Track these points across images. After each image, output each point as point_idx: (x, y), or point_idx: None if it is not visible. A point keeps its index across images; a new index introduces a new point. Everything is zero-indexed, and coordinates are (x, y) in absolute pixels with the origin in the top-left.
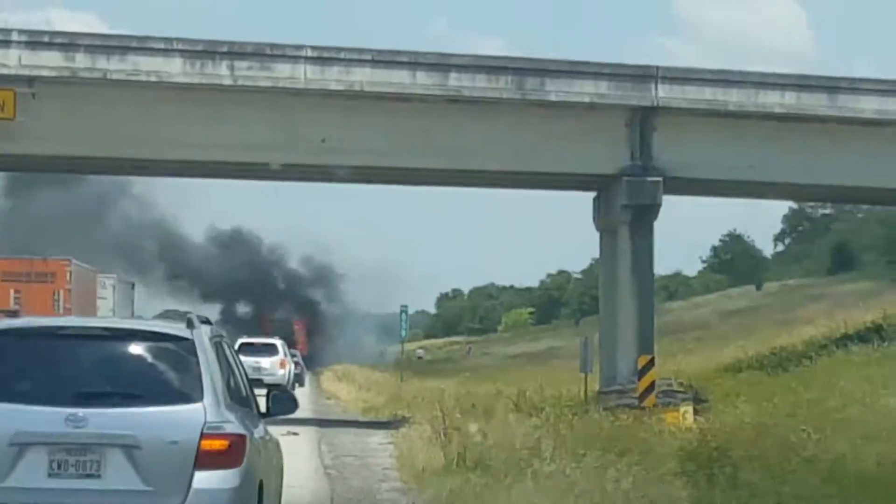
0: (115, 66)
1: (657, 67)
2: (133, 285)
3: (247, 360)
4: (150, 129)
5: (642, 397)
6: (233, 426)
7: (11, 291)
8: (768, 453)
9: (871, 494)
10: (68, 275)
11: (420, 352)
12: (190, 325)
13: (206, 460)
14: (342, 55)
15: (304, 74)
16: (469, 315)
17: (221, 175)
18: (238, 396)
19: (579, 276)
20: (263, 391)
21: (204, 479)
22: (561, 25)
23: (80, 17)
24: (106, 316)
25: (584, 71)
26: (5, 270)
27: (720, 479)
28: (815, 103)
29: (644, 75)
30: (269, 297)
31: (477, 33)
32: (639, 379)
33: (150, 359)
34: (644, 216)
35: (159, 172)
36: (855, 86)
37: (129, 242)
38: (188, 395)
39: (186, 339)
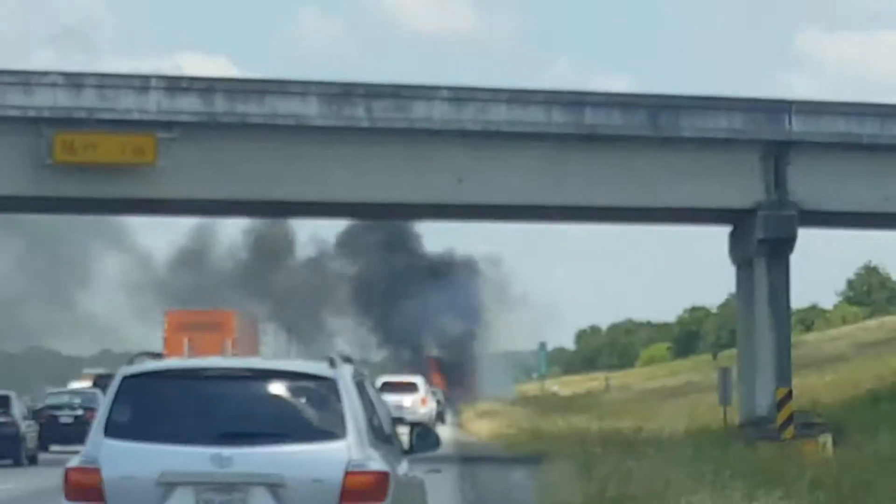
0: (253, 109)
1: (791, 102)
2: (290, 329)
3: (389, 399)
4: (289, 171)
5: (781, 429)
6: (376, 463)
7: (185, 340)
8: None
9: None
10: (234, 324)
11: (555, 387)
12: (332, 364)
13: (350, 498)
14: (478, 95)
15: (440, 114)
16: (607, 350)
17: (361, 215)
18: (381, 434)
19: (716, 310)
20: (406, 429)
21: None
22: (681, 63)
23: (212, 61)
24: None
25: (718, 106)
26: (180, 321)
27: None
28: None
29: (777, 109)
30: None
31: (600, 72)
32: (778, 411)
33: (293, 398)
34: (780, 249)
35: (299, 213)
36: None
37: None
38: (332, 433)
39: (329, 378)
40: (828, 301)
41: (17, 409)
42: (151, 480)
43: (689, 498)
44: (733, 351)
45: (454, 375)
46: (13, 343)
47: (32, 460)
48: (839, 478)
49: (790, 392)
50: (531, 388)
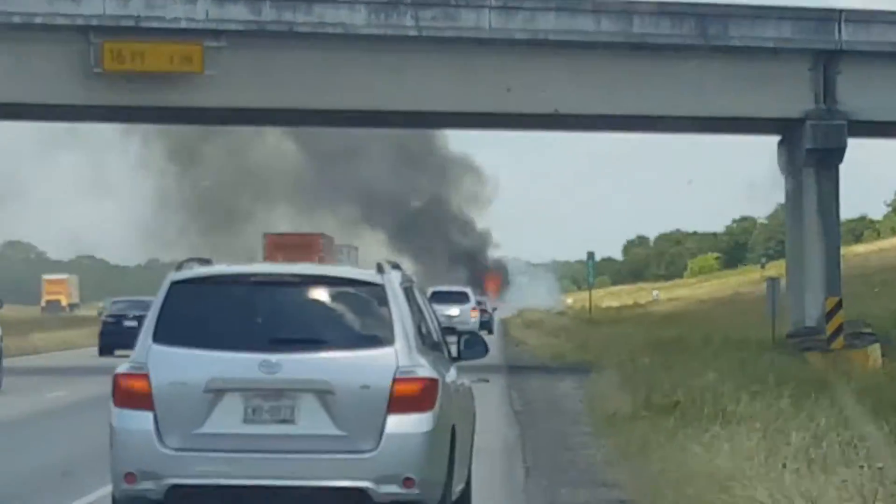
0: (301, 18)
1: (840, 11)
2: (357, 249)
3: (438, 309)
4: (336, 80)
5: (830, 339)
6: (425, 370)
7: (280, 258)
8: None
9: None
10: (320, 246)
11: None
12: (380, 270)
13: (398, 404)
14: (526, 4)
15: (488, 23)
16: (655, 261)
17: (406, 125)
18: (430, 341)
19: (765, 220)
20: (454, 339)
21: (396, 424)
22: None
23: None
24: None
25: (767, 15)
26: (276, 243)
27: None
28: None
29: (827, 18)
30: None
31: None
32: (827, 321)
33: (341, 304)
34: (829, 160)
35: (345, 123)
36: None
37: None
38: (380, 339)
39: (377, 284)
40: (877, 212)
41: None
42: (199, 386)
43: (735, 406)
44: (782, 262)
45: (503, 285)
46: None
47: None
48: (888, 387)
49: (840, 302)
50: (579, 297)
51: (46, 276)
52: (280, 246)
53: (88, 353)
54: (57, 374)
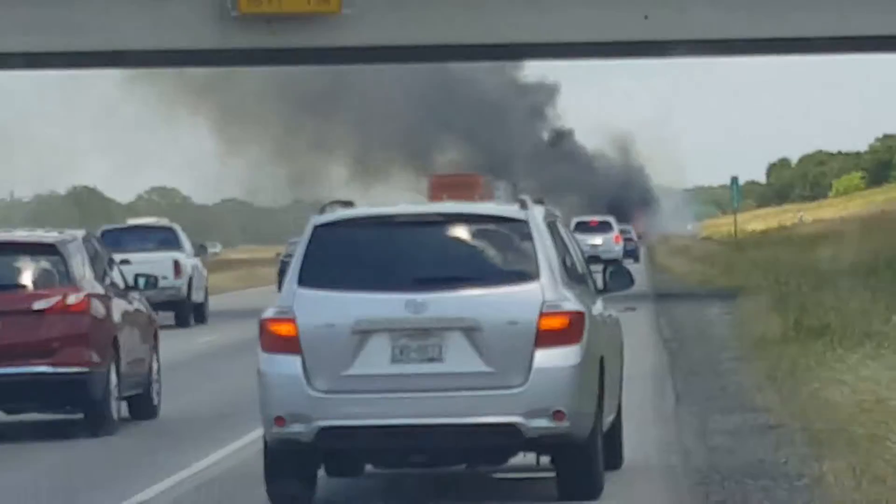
0: None
1: None
2: (516, 185)
3: (582, 238)
4: (475, 14)
5: None
6: (571, 303)
7: (444, 196)
8: None
9: None
10: (482, 185)
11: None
12: (523, 205)
13: (546, 339)
14: None
15: None
16: (799, 183)
17: (548, 55)
18: (575, 274)
19: None
20: (600, 268)
21: (545, 358)
22: None
23: None
24: None
25: None
26: (440, 183)
27: None
28: None
29: None
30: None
31: None
32: None
33: (485, 241)
34: None
35: (486, 57)
36: None
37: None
38: (525, 274)
39: (520, 219)
40: None
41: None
42: (347, 328)
43: (887, 328)
44: None
45: (648, 213)
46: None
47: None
48: None
49: None
50: (725, 222)
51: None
52: (444, 186)
53: (269, 291)
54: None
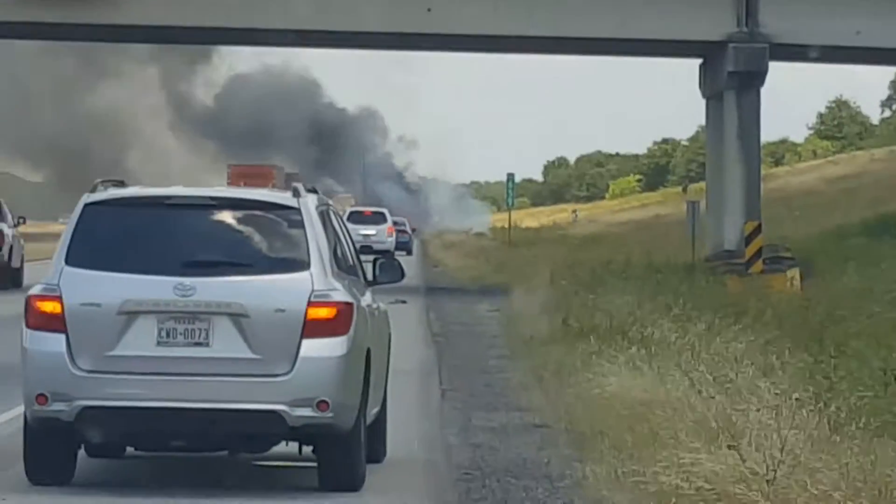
0: None
1: None
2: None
3: (355, 229)
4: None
5: (749, 263)
6: (340, 294)
7: (242, 184)
8: (876, 321)
9: None
10: (274, 175)
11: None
12: (296, 193)
13: (313, 328)
14: None
15: None
16: (576, 183)
17: (321, 44)
18: (345, 264)
19: (686, 143)
20: (372, 259)
21: (311, 347)
22: None
23: None
24: None
25: None
26: (238, 173)
27: (828, 346)
28: None
29: None
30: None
31: None
32: (746, 245)
33: (256, 227)
34: (750, 83)
35: (261, 41)
36: None
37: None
38: (295, 263)
39: (293, 207)
40: (798, 135)
41: None
42: (113, 309)
43: (652, 331)
44: (703, 184)
45: (422, 207)
46: None
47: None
48: (806, 312)
49: (759, 226)
50: (499, 219)
51: None
52: (241, 175)
53: None
54: None
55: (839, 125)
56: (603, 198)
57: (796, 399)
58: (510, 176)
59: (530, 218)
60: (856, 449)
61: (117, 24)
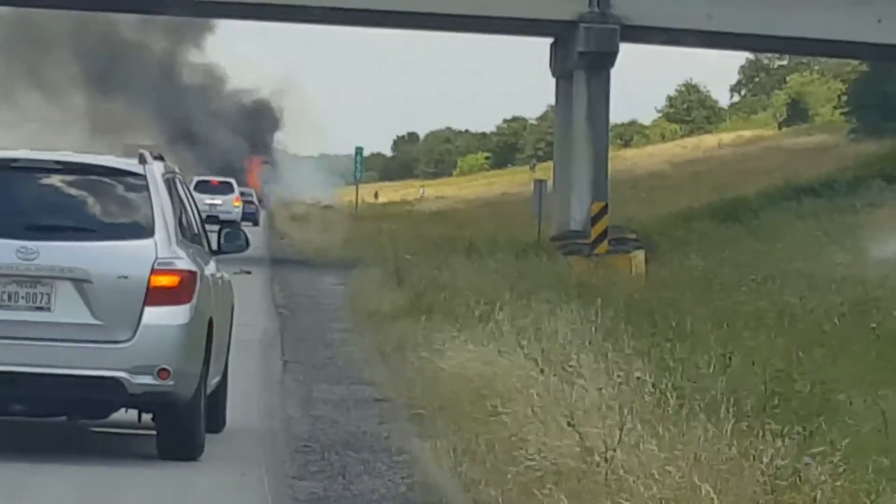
0: None
1: None
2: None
3: (202, 198)
4: None
5: (594, 244)
6: (183, 262)
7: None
8: (717, 303)
9: (821, 344)
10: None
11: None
12: (142, 160)
13: (156, 296)
14: None
15: None
16: (425, 158)
17: (191, 13)
18: (190, 233)
19: (535, 122)
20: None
21: (153, 315)
22: None
23: None
24: None
25: None
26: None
27: (667, 327)
28: None
29: None
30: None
31: None
32: (592, 225)
33: (102, 193)
34: (600, 63)
35: (119, 8)
36: None
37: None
38: (140, 230)
39: (139, 174)
40: (647, 117)
41: None
42: None
43: (493, 308)
44: (551, 164)
45: (269, 177)
46: None
47: None
48: (649, 293)
49: (605, 207)
50: (347, 192)
51: None
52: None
53: None
54: None
55: (688, 109)
56: (451, 174)
57: (637, 378)
58: (358, 150)
59: (378, 192)
60: (693, 428)
61: None
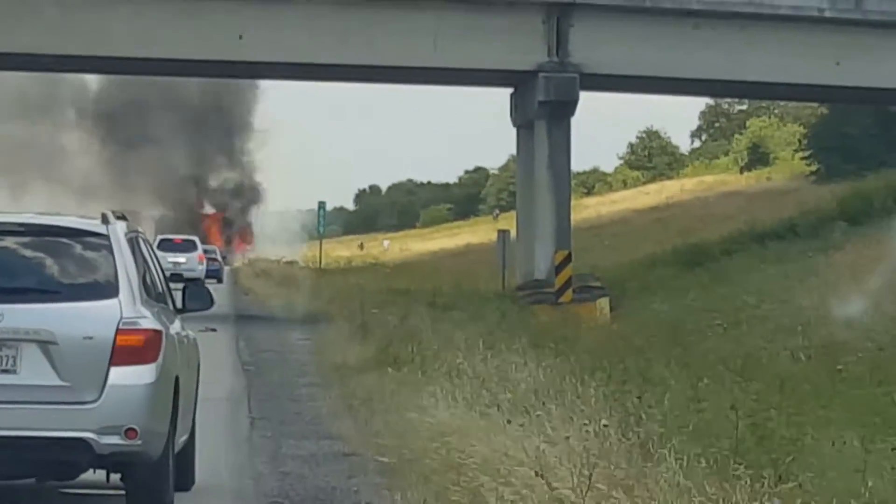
0: None
1: None
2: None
3: (166, 256)
4: (72, 25)
5: (559, 293)
6: (148, 321)
7: None
8: (684, 349)
9: (786, 387)
10: None
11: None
12: (105, 220)
13: (121, 356)
14: None
15: None
16: (387, 211)
17: (139, 71)
18: (154, 292)
19: (497, 172)
20: (181, 286)
21: (120, 375)
22: None
23: None
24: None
25: None
26: None
27: (634, 374)
28: None
29: None
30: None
31: None
32: (556, 274)
33: (65, 254)
34: (560, 112)
35: (84, 70)
36: None
37: None
38: (104, 290)
39: (101, 234)
40: (609, 165)
41: None
42: None
43: (460, 360)
44: (514, 213)
45: (232, 234)
46: None
47: None
48: (615, 341)
49: (569, 255)
50: (311, 247)
51: None
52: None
53: None
54: None
55: (649, 155)
56: (414, 226)
57: (604, 425)
58: (321, 204)
59: (341, 246)
60: (663, 474)
61: None
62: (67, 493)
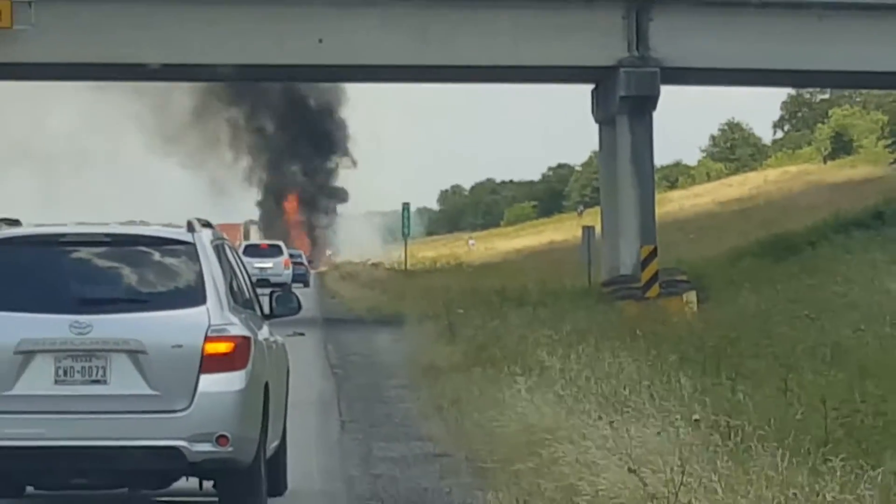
0: None
1: None
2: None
3: (252, 262)
4: (144, 33)
5: (646, 287)
6: (237, 328)
7: None
8: (772, 341)
9: (875, 378)
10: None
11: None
12: (191, 228)
13: (211, 363)
14: None
15: None
16: (472, 211)
17: (220, 78)
18: (241, 298)
19: (580, 168)
20: (268, 292)
21: (209, 383)
22: None
23: None
24: None
25: None
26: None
27: (725, 367)
28: None
29: None
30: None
31: None
32: (642, 269)
33: (152, 263)
34: (642, 107)
35: (163, 77)
36: None
37: None
38: (191, 298)
39: (188, 242)
40: (692, 158)
41: None
42: (10, 349)
43: (549, 357)
44: (598, 209)
45: (317, 238)
46: None
47: None
48: (704, 334)
49: (654, 250)
50: (396, 248)
51: None
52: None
53: None
54: None
55: (732, 147)
56: (498, 225)
57: (695, 420)
58: (405, 206)
59: (426, 247)
60: (755, 467)
61: (13, 62)
62: (161, 502)
